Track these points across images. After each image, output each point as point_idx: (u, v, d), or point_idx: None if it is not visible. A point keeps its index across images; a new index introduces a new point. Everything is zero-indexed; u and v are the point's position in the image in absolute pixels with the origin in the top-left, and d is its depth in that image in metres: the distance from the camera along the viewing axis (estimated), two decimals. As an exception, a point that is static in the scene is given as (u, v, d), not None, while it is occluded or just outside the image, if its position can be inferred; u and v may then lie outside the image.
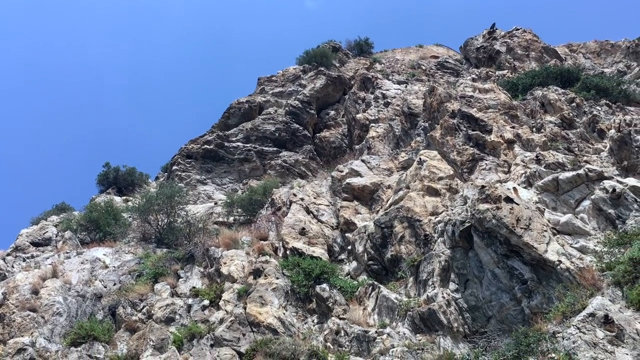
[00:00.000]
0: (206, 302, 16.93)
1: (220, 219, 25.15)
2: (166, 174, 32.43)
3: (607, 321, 11.11)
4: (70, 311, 16.97)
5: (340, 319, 15.56)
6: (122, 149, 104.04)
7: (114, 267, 19.84)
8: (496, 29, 36.78)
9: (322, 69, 34.93)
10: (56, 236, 23.21)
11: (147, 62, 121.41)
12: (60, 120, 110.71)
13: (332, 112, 33.28)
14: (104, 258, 20.44)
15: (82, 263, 19.78)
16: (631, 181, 15.19)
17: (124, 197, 30.08)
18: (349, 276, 18.27)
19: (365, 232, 18.68)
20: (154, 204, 22.82)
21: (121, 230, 23.32)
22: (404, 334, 14.47)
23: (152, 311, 16.71)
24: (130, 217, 24.57)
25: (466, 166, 19.59)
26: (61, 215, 26.69)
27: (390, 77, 33.62)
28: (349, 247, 19.37)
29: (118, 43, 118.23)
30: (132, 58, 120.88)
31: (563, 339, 11.27)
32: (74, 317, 16.83)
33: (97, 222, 23.79)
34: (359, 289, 16.66)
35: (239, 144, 30.91)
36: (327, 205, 21.62)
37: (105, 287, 18.59)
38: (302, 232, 19.57)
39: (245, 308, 15.97)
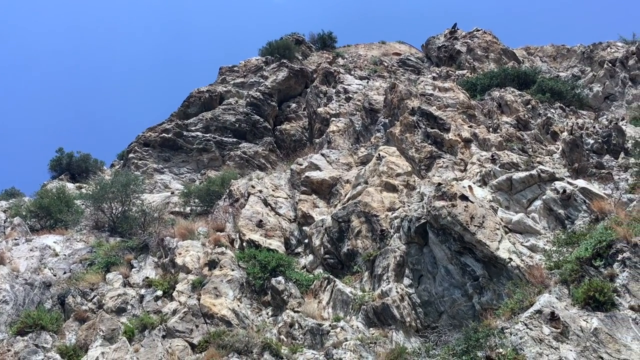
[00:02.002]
0: (159, 292, 16.69)
1: (177, 209, 24.80)
2: (122, 161, 31.80)
3: (553, 318, 11.46)
4: (18, 299, 16.46)
5: (295, 312, 15.59)
6: (77, 134, 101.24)
7: (65, 255, 19.35)
8: (457, 29, 37.28)
9: (284, 61, 34.75)
10: (4, 222, 22.47)
11: (107, 46, 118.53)
12: (12, 103, 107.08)
13: (294, 105, 33.20)
14: (55, 246, 19.91)
15: (31, 250, 19.22)
16: (581, 183, 15.68)
17: (77, 184, 29.32)
18: (305, 269, 18.30)
19: (322, 226, 18.74)
20: (109, 191, 22.34)
21: (73, 217, 22.74)
22: (358, 327, 14.60)
23: (103, 301, 16.38)
24: (83, 204, 23.99)
25: (424, 163, 19.85)
26: (10, 201, 25.86)
27: (352, 72, 33.74)
28: (306, 241, 19.40)
29: (75, 24, 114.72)
30: (90, 41, 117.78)
31: (511, 334, 11.57)
32: (21, 306, 16.33)
33: (48, 209, 23.09)
34: (314, 283, 16.71)
35: (198, 133, 30.53)
36: (285, 198, 21.59)
37: (55, 275, 18.11)
38: (260, 224, 19.48)
39: (199, 299, 15.82)
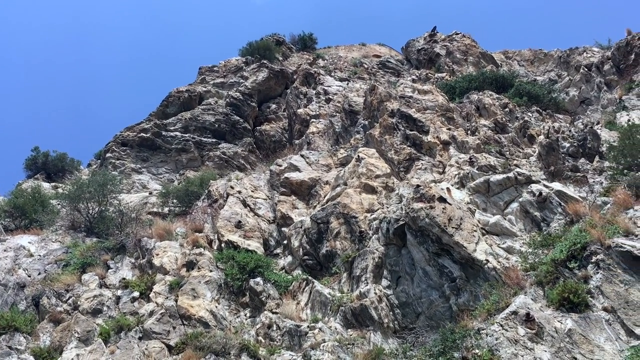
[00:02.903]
0: (136, 293, 16.54)
1: (155, 210, 24.58)
2: (99, 161, 31.42)
3: (528, 319, 11.61)
4: (-10, 301, 16.21)
5: (273, 313, 15.55)
6: (53, 133, 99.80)
7: (40, 255, 19.06)
8: (437, 32, 37.58)
9: (264, 61, 34.66)
10: (-22, 222, 22.07)
11: (85, 43, 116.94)
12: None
13: (274, 106, 33.13)
14: (29, 246, 19.59)
15: (5, 251, 18.90)
16: (557, 186, 15.90)
17: (53, 184, 28.90)
18: (283, 270, 18.28)
19: (301, 227, 18.73)
20: (85, 191, 22.05)
21: (49, 217, 22.40)
22: (336, 328, 14.62)
23: (79, 302, 16.18)
24: (59, 204, 23.65)
25: (403, 165, 19.95)
26: (-16, 201, 25.39)
27: (332, 74, 33.78)
28: (285, 242, 19.38)
29: (52, 20, 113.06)
30: (67, 38, 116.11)
31: (487, 335, 11.68)
32: (-6, 307, 16.08)
33: (22, 209, 22.72)
34: (293, 284, 16.69)
35: (177, 133, 30.31)
36: (264, 199, 21.54)
37: (29, 276, 17.83)
38: (238, 225, 19.42)
39: (176, 301, 15.71)
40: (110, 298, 16.47)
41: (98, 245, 19.37)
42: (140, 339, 14.64)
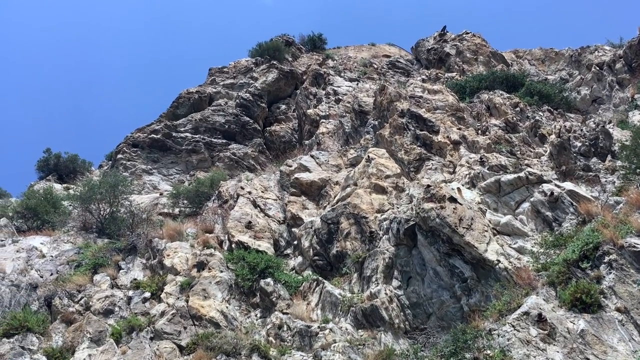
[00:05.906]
0: (147, 294, 16.61)
1: (165, 210, 24.70)
2: (110, 162, 31.63)
3: (540, 320, 11.54)
4: (4, 301, 16.32)
5: (284, 313, 15.56)
6: (65, 134, 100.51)
7: (52, 256, 19.19)
8: (447, 31, 37.46)
9: (274, 62, 34.73)
10: (-9, 223, 22.25)
11: (96, 45, 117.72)
12: None
13: (283, 107, 33.19)
14: (41, 247, 19.74)
15: (17, 252, 19.05)
16: (568, 185, 15.79)
17: (65, 185, 29.14)
18: (294, 271, 18.28)
19: (311, 228, 18.73)
20: (97, 192, 22.18)
21: (60, 218, 22.57)
22: (346, 329, 14.60)
23: (90, 302, 16.27)
24: (70, 205, 23.82)
25: (413, 165, 19.90)
26: (-3, 202, 25.63)
27: (342, 74, 33.77)
28: (295, 242, 19.39)
29: (64, 22, 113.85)
30: (79, 39, 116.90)
31: (498, 336, 11.63)
32: (7, 308, 16.19)
33: (35, 210, 22.94)
34: (303, 284, 16.70)
35: (188, 134, 30.45)
36: (274, 200, 21.56)
37: (42, 277, 17.95)
38: (249, 225, 19.45)
39: (187, 301, 15.76)
40: (122, 298, 16.55)
41: (109, 246, 19.48)
42: (151, 339, 14.71)
